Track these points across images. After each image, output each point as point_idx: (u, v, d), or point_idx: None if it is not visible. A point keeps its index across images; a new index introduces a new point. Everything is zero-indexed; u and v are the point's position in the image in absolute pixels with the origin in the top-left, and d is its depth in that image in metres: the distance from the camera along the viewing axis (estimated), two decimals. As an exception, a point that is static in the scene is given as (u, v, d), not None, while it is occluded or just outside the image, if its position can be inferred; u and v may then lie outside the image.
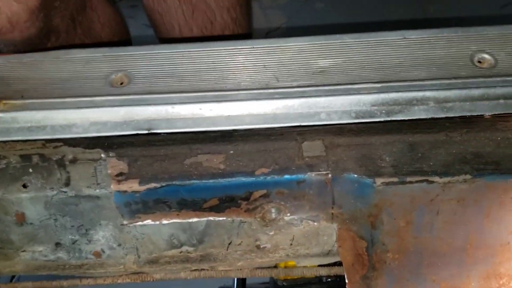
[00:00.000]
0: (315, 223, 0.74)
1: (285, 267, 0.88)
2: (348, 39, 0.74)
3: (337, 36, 0.74)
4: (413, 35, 0.73)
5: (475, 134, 0.69)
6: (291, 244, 0.77)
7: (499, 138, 0.69)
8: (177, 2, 1.15)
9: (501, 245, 0.70)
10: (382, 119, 0.65)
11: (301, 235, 0.76)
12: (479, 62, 0.71)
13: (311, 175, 0.68)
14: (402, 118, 0.64)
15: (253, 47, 0.74)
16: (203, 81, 0.71)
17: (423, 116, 0.65)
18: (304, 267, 0.85)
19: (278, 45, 0.75)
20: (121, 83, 0.73)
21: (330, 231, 0.75)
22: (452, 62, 0.71)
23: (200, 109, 0.66)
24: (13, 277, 1.52)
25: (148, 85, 0.71)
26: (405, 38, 0.73)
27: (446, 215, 0.68)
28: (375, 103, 0.65)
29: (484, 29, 0.74)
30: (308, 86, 0.69)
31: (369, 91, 0.65)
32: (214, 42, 0.74)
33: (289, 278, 0.99)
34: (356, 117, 0.65)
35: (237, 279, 1.20)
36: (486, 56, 0.71)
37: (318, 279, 1.00)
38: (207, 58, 0.74)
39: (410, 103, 0.65)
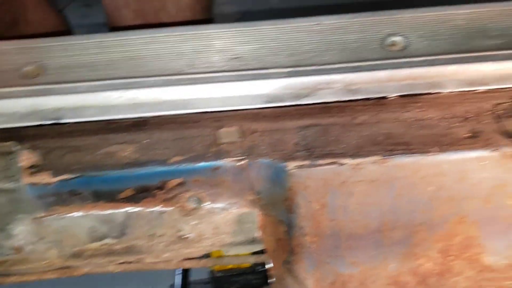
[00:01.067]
0: (236, 210, 0.74)
1: (218, 257, 0.88)
2: (264, 26, 0.74)
3: (254, 23, 0.75)
4: (327, 20, 0.74)
5: (387, 116, 0.70)
6: (215, 233, 0.77)
7: (409, 119, 0.70)
8: None
9: (416, 225, 0.71)
10: (290, 103, 0.65)
11: (224, 223, 0.76)
12: (391, 45, 0.72)
13: (226, 162, 0.68)
14: (309, 102, 0.65)
15: (169, 35, 0.74)
16: (116, 70, 0.70)
17: (330, 99, 0.65)
18: (234, 255, 0.85)
19: (195, 32, 0.74)
20: (36, 75, 0.72)
21: (253, 217, 0.75)
22: (364, 46, 0.71)
23: (108, 96, 0.66)
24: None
25: (60, 76, 0.70)
26: (319, 23, 0.74)
27: (359, 196, 0.68)
28: (284, 88, 0.65)
29: (397, 12, 0.75)
30: (221, 71, 0.69)
31: (279, 76, 0.66)
32: (129, 31, 0.74)
33: (224, 269, 1.00)
34: (267, 102, 0.65)
35: (182, 276, 1.19)
36: (398, 39, 0.72)
37: (253, 269, 1.00)
38: (122, 47, 0.73)
39: (317, 86, 0.65)
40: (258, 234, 0.76)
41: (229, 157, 0.67)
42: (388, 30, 0.74)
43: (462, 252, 0.73)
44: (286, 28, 0.74)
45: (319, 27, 0.74)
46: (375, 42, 0.71)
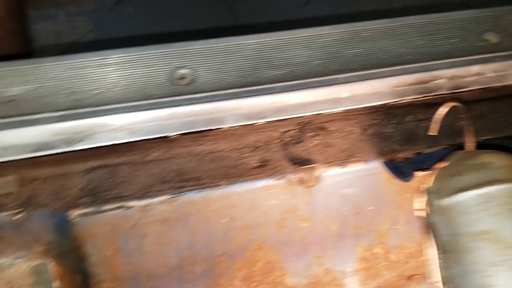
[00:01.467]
0: (28, 263, 0.69)
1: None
2: (47, 63, 0.69)
3: (37, 59, 0.69)
4: (114, 54, 0.70)
5: (180, 150, 0.69)
6: (10, 287, 0.71)
7: (202, 152, 0.69)
8: None
9: (216, 257, 0.71)
10: (63, 150, 0.61)
11: (18, 276, 0.70)
12: (180, 78, 0.71)
13: (1, 216, 0.62)
14: (83, 147, 0.62)
15: None
16: None
17: (106, 142, 0.62)
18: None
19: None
20: None
21: (48, 268, 0.70)
22: (152, 81, 0.69)
23: None
24: None
25: None
26: (105, 58, 0.70)
27: (153, 237, 0.67)
28: (56, 133, 0.61)
29: (187, 44, 0.74)
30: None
31: (50, 121, 0.61)
32: None
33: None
34: (36, 150, 0.61)
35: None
36: (187, 72, 0.71)
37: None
38: None
39: (92, 130, 0.62)
40: (56, 284, 0.72)
41: (4, 210, 0.62)
42: (178, 63, 0.72)
43: (265, 277, 0.74)
44: (70, 64, 0.70)
45: (105, 62, 0.70)
46: (163, 76, 0.70)
